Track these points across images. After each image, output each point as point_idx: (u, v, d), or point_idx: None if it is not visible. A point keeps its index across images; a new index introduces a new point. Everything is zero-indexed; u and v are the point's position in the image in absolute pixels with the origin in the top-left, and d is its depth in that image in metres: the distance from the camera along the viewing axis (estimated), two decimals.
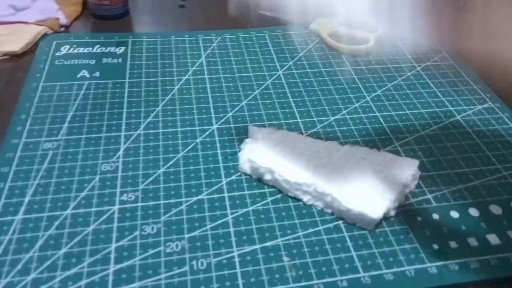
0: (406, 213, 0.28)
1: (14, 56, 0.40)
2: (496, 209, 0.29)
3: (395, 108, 0.37)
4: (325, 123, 0.35)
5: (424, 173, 0.31)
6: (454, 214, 0.29)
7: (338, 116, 0.36)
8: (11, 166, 0.29)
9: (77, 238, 0.25)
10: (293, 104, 0.37)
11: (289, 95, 0.38)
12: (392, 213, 0.28)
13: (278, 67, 0.41)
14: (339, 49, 0.44)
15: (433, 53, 0.44)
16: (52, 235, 0.25)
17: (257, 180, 0.30)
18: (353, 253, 0.26)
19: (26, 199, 0.27)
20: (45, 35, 0.43)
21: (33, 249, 0.25)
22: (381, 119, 0.36)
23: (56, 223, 0.26)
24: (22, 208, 0.27)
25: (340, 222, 0.28)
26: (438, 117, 0.37)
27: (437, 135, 0.35)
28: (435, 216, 0.28)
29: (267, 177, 0.29)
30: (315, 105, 0.37)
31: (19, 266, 0.24)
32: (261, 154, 0.29)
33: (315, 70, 0.41)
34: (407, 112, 0.37)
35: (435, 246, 0.27)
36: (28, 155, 0.30)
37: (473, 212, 0.29)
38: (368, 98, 0.38)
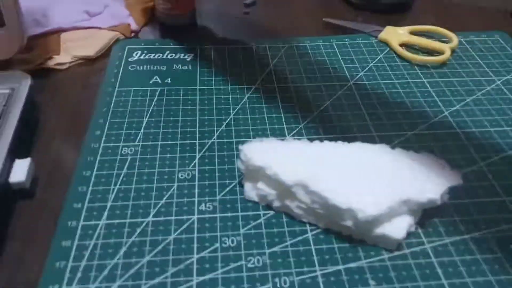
0: (498, 240, 0.27)
1: (88, 61, 0.42)
2: None
3: (476, 125, 0.35)
4: (402, 138, 0.34)
5: (505, 197, 0.29)
6: None
7: (416, 131, 0.34)
8: (92, 170, 0.30)
9: (160, 247, 0.25)
10: (367, 117, 0.36)
11: (362, 107, 0.37)
12: (413, 228, 0.26)
13: (349, 77, 0.40)
14: (412, 59, 0.42)
15: None
16: (136, 242, 0.26)
17: None
18: (444, 281, 0.24)
19: (109, 204, 0.28)
20: (117, 40, 0.44)
21: (118, 255, 0.25)
22: (462, 136, 0.34)
23: (138, 230, 0.26)
24: (105, 213, 0.27)
25: (427, 246, 0.26)
26: None
27: None
28: None
29: (276, 204, 0.27)
30: (390, 119, 0.35)
31: (105, 272, 0.24)
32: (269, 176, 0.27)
33: (387, 81, 0.40)
34: (490, 129, 0.35)
35: None
36: (107, 159, 0.31)
37: None
38: (446, 113, 0.36)
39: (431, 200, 0.25)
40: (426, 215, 0.28)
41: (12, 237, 0.26)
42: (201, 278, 0.24)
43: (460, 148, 0.33)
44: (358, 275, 0.24)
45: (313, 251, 0.26)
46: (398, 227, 0.25)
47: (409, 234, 0.27)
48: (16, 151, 0.29)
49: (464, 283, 0.24)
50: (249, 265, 0.25)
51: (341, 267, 0.25)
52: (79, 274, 0.24)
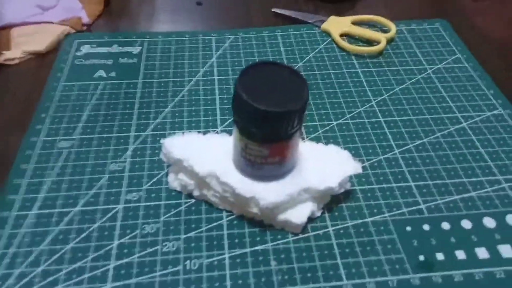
0: (397, 223, 0.29)
1: (39, 56, 0.43)
2: (489, 222, 0.29)
3: (400, 113, 0.37)
4: (327, 127, 0.36)
5: (421, 182, 0.32)
6: (446, 226, 0.29)
7: (340, 121, 0.36)
8: (29, 162, 0.32)
9: (84, 234, 0.28)
10: None
11: None
12: (318, 213, 0.29)
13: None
14: (349, 50, 0.44)
15: (447, 55, 0.43)
16: (62, 230, 0.28)
17: None
18: (339, 260, 0.27)
19: (41, 195, 0.30)
20: (68, 35, 0.45)
21: (44, 242, 0.27)
22: (384, 125, 0.36)
23: (66, 219, 0.29)
24: (37, 204, 0.30)
25: (330, 229, 0.29)
26: (443, 124, 0.36)
27: (439, 142, 0.35)
28: (426, 227, 0.29)
29: (196, 193, 0.30)
30: (319, 109, 0.37)
31: (31, 258, 0.27)
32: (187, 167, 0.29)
33: (323, 72, 0.41)
34: (412, 117, 0.37)
35: (421, 257, 0.27)
36: (45, 153, 0.33)
37: (466, 224, 0.29)
38: (373, 103, 0.38)
39: (329, 188, 0.28)
40: (335, 200, 0.30)
41: None
42: (118, 262, 0.26)
43: (380, 136, 0.35)
44: (262, 256, 0.27)
45: (225, 235, 0.28)
46: (300, 213, 0.28)
47: (316, 219, 0.29)
48: None
49: (357, 262, 0.27)
50: (164, 249, 0.27)
51: (248, 249, 0.27)
52: (7, 260, 0.26)
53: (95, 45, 0.44)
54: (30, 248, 0.27)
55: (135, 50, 0.44)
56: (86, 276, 0.26)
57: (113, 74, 0.41)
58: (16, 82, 0.40)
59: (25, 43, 0.44)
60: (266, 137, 0.25)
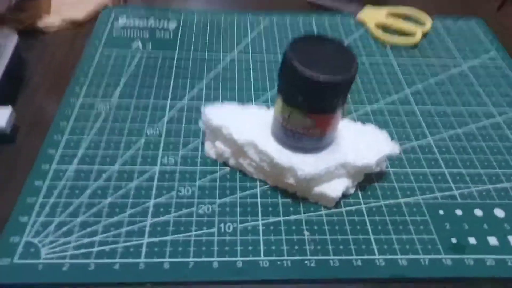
0: (430, 206, 0.29)
1: (77, 25, 0.44)
2: None
3: (434, 103, 0.37)
4: (361, 111, 0.36)
5: (454, 169, 0.32)
6: (478, 212, 0.29)
7: (375, 106, 0.36)
8: (68, 121, 0.33)
9: (121, 191, 0.28)
10: None
11: None
12: (352, 190, 0.29)
13: None
14: (385, 40, 0.44)
15: (482, 52, 0.43)
16: (100, 186, 0.29)
17: None
18: (371, 236, 0.27)
19: (80, 152, 0.31)
20: (106, 6, 0.46)
21: (83, 195, 0.28)
22: (418, 112, 0.36)
23: (104, 176, 0.29)
24: (76, 160, 0.30)
25: (363, 206, 0.29)
26: (477, 116, 0.36)
27: (473, 133, 0.35)
28: (458, 212, 0.29)
29: (231, 162, 0.30)
30: (353, 94, 0.38)
31: (70, 209, 0.27)
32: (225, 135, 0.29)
33: (358, 59, 0.41)
34: (446, 107, 0.37)
35: (454, 240, 0.27)
36: (84, 112, 0.34)
37: (498, 212, 0.29)
38: (407, 91, 0.38)
39: (367, 165, 0.28)
40: (368, 180, 0.30)
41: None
42: (155, 219, 0.27)
43: (413, 123, 0.35)
44: (295, 226, 0.27)
45: (259, 203, 0.28)
46: (335, 187, 0.28)
47: (349, 195, 0.29)
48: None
49: (389, 239, 0.27)
50: (199, 211, 0.28)
51: (281, 218, 0.28)
52: (47, 209, 0.27)
53: (132, 18, 0.44)
54: (70, 199, 0.28)
55: (172, 25, 0.44)
56: (123, 229, 0.26)
57: (149, 46, 0.41)
58: (53, 47, 0.41)
59: (65, 11, 0.44)
60: (313, 107, 0.25)
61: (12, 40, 0.36)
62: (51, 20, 0.43)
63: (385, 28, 0.45)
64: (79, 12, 0.44)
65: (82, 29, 0.43)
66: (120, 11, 0.45)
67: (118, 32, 0.42)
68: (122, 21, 0.44)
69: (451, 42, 0.44)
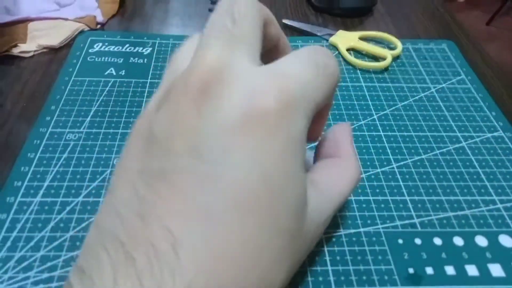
0: (389, 235, 0.30)
1: (52, 50, 0.44)
2: (481, 241, 0.30)
3: (400, 129, 0.38)
4: None
5: (416, 197, 0.32)
6: (438, 241, 0.30)
7: None
8: (37, 152, 0.33)
9: (83, 224, 0.29)
10: None
11: None
12: None
13: None
14: (355, 64, 0.44)
15: (451, 75, 0.44)
16: (63, 219, 0.29)
17: None
18: (329, 268, 0.27)
19: (45, 184, 0.31)
20: (82, 32, 0.47)
21: (46, 229, 0.28)
22: (384, 139, 0.37)
23: (68, 208, 0.30)
24: (41, 192, 0.30)
25: (322, 237, 0.29)
26: (443, 142, 0.37)
27: (437, 160, 0.35)
28: (418, 241, 0.29)
29: None
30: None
31: (32, 243, 0.27)
32: None
33: None
34: (412, 133, 0.38)
35: (411, 270, 0.28)
36: (52, 143, 0.34)
37: (457, 241, 0.30)
38: (375, 116, 0.39)
39: None
40: None
41: None
42: None
43: (379, 150, 0.36)
44: None
45: None
46: None
47: None
48: None
49: (346, 270, 0.27)
50: None
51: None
52: (8, 244, 0.27)
53: (107, 44, 0.45)
54: (32, 233, 0.28)
55: (146, 50, 0.45)
56: None
57: (123, 72, 0.42)
58: (28, 74, 0.42)
59: (40, 37, 0.45)
60: None
61: None
62: (27, 46, 0.44)
63: (357, 52, 0.46)
64: (55, 38, 0.45)
65: (57, 54, 0.44)
66: (96, 36, 0.46)
67: (93, 58, 0.43)
68: (97, 46, 0.45)
69: (420, 65, 0.45)
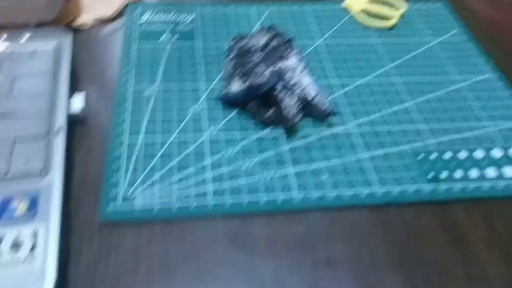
0: (408, 152, 0.39)
1: (106, 21, 0.51)
2: (479, 153, 0.40)
3: (413, 74, 0.47)
4: (357, 83, 0.45)
5: (432, 125, 0.42)
6: (448, 155, 0.39)
7: (368, 78, 0.46)
8: (125, 105, 0.41)
9: (183, 154, 0.37)
10: (331, 68, 0.47)
11: (324, 63, 0.48)
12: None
13: (317, 37, 0.51)
14: (368, 23, 0.53)
15: (447, 30, 0.53)
16: (166, 150, 0.37)
17: None
18: (371, 176, 0.37)
19: (143, 126, 0.39)
20: (129, 3, 0.53)
21: (155, 159, 0.36)
22: (401, 83, 0.46)
23: (168, 141, 0.38)
24: (142, 133, 0.38)
25: (364, 154, 0.38)
26: (446, 83, 0.46)
27: (444, 97, 0.45)
28: (432, 156, 0.39)
29: None
30: (349, 69, 0.47)
31: (148, 167, 0.36)
32: None
33: (348, 40, 0.51)
34: (423, 79, 0.47)
35: (430, 175, 0.37)
36: (136, 97, 0.41)
37: (462, 155, 0.40)
38: (392, 65, 0.48)
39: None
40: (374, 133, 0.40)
41: (78, 149, 0.37)
42: (213, 172, 0.36)
43: (397, 91, 0.45)
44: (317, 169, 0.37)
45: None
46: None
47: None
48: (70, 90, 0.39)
49: (384, 177, 0.37)
50: (244, 165, 0.37)
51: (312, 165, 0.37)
52: (131, 168, 0.35)
53: (154, 13, 0.52)
54: (146, 161, 0.36)
55: (190, 18, 0.51)
56: (193, 180, 0.35)
57: (175, 37, 0.49)
58: (91, 43, 0.48)
59: (94, 10, 0.51)
60: None
61: (68, 36, 0.43)
62: (84, 19, 0.50)
63: (368, 13, 0.54)
64: (108, 9, 0.51)
65: (112, 24, 0.50)
66: (143, 7, 0.52)
67: (146, 26, 0.50)
68: (147, 15, 0.51)
69: (422, 22, 0.54)
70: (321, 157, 0.38)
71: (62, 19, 0.49)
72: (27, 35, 0.42)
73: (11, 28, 0.44)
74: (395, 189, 0.36)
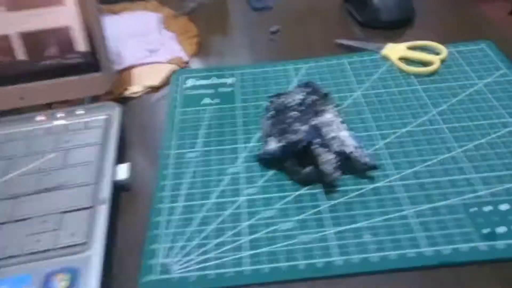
0: (463, 206, 0.36)
1: (154, 89, 0.55)
2: None
3: (458, 120, 0.45)
4: (398, 133, 0.44)
5: (481, 174, 0.39)
6: (505, 207, 0.36)
7: (409, 128, 0.44)
8: (168, 169, 0.42)
9: (220, 218, 0.37)
10: (371, 118, 0.46)
11: (367, 110, 0.47)
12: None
13: (357, 88, 0.50)
14: (409, 71, 0.52)
15: (494, 70, 0.50)
16: (204, 216, 0.38)
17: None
18: (419, 234, 0.34)
19: (183, 192, 0.40)
20: (174, 71, 0.57)
21: (193, 224, 0.37)
22: (446, 130, 0.44)
23: (205, 208, 0.38)
24: (182, 198, 0.39)
25: (409, 210, 0.36)
26: (497, 127, 0.43)
27: (496, 142, 0.42)
28: (487, 208, 0.36)
29: None
30: (389, 119, 0.45)
31: (186, 235, 0.36)
32: None
33: (388, 89, 0.50)
34: (469, 123, 0.44)
35: (486, 230, 0.34)
36: (178, 162, 0.43)
37: None
38: (435, 112, 0.46)
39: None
40: (415, 185, 0.38)
41: (122, 216, 0.39)
42: (251, 237, 0.35)
43: (443, 139, 0.43)
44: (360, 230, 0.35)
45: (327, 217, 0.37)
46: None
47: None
48: (118, 158, 0.42)
49: (432, 235, 0.34)
50: (282, 228, 0.36)
51: (354, 225, 0.36)
52: (169, 237, 0.36)
53: (197, 78, 0.55)
54: (184, 229, 0.37)
55: (230, 80, 0.54)
56: (229, 246, 0.35)
57: (216, 100, 0.51)
58: (140, 110, 0.52)
59: (143, 79, 0.55)
60: None
61: (118, 110, 0.46)
62: (135, 88, 0.54)
63: (407, 61, 0.54)
64: (155, 79, 0.55)
65: (159, 92, 0.54)
66: (187, 73, 0.56)
67: (189, 91, 0.53)
68: (190, 81, 0.54)
69: (466, 65, 0.52)
70: (363, 215, 0.37)
71: (115, 90, 0.53)
72: (81, 110, 0.46)
73: (69, 103, 0.49)
74: (447, 248, 0.33)
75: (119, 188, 0.41)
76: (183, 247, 0.35)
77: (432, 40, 0.55)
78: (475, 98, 0.47)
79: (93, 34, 0.45)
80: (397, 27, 0.61)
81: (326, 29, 0.62)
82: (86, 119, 0.45)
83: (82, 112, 0.46)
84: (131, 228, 0.38)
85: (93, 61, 0.46)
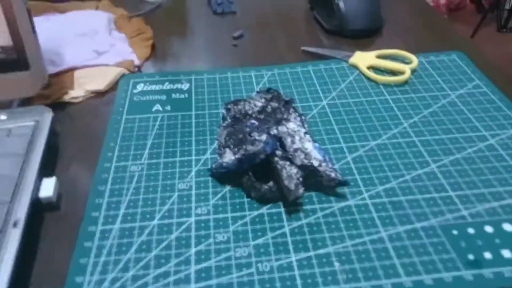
0: (444, 228, 0.32)
1: (99, 94, 0.48)
2: None
3: (431, 133, 0.41)
4: (367, 147, 0.40)
5: (460, 192, 0.35)
6: (489, 229, 0.32)
7: (378, 141, 0.40)
8: (106, 185, 0.36)
9: (164, 244, 0.31)
10: (337, 131, 0.42)
11: (333, 122, 0.43)
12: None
13: (323, 98, 0.46)
14: (378, 80, 0.48)
15: (467, 81, 0.48)
16: (144, 241, 0.31)
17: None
18: (396, 261, 0.30)
19: (121, 212, 0.34)
20: (123, 75, 0.50)
21: (130, 252, 0.31)
22: (418, 143, 0.40)
23: (146, 231, 0.32)
24: (119, 219, 0.33)
25: (383, 233, 0.32)
26: (473, 141, 0.40)
27: (471, 157, 0.38)
28: (470, 231, 0.32)
29: None
30: (357, 131, 0.41)
31: (120, 265, 0.30)
32: None
33: (356, 100, 0.46)
34: (443, 136, 0.41)
35: (471, 257, 0.30)
36: (119, 176, 0.37)
37: (507, 227, 0.32)
38: (405, 124, 0.42)
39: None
40: (385, 209, 0.33)
41: (44, 240, 0.32)
42: (198, 266, 0.30)
43: (415, 153, 0.39)
44: (325, 258, 0.30)
45: (289, 241, 0.31)
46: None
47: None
48: (43, 172, 0.35)
49: (412, 261, 0.30)
50: (237, 254, 0.30)
51: (311, 253, 0.30)
52: (99, 268, 0.30)
53: (148, 83, 0.49)
54: (118, 257, 0.30)
55: (185, 86, 0.48)
56: (171, 278, 0.29)
57: (168, 107, 0.45)
58: (80, 117, 0.45)
59: (87, 83, 0.49)
60: None
61: (47, 116, 0.39)
62: (75, 93, 0.48)
63: (376, 69, 0.50)
64: (100, 83, 0.49)
65: (104, 97, 0.48)
66: (137, 78, 0.50)
67: (138, 97, 0.47)
68: (140, 87, 0.48)
69: (437, 76, 0.49)
70: (331, 238, 0.32)
71: (52, 93, 0.46)
72: (4, 115, 0.39)
73: None
74: (427, 278, 0.29)
75: (43, 207, 0.34)
76: (114, 280, 0.29)
77: (401, 50, 0.52)
78: (448, 110, 0.44)
79: (18, 28, 0.39)
80: (365, 36, 0.58)
81: (292, 36, 0.59)
82: (9, 126, 0.38)
83: (4, 117, 0.39)
84: (54, 256, 0.31)
85: (19, 58, 0.39)
